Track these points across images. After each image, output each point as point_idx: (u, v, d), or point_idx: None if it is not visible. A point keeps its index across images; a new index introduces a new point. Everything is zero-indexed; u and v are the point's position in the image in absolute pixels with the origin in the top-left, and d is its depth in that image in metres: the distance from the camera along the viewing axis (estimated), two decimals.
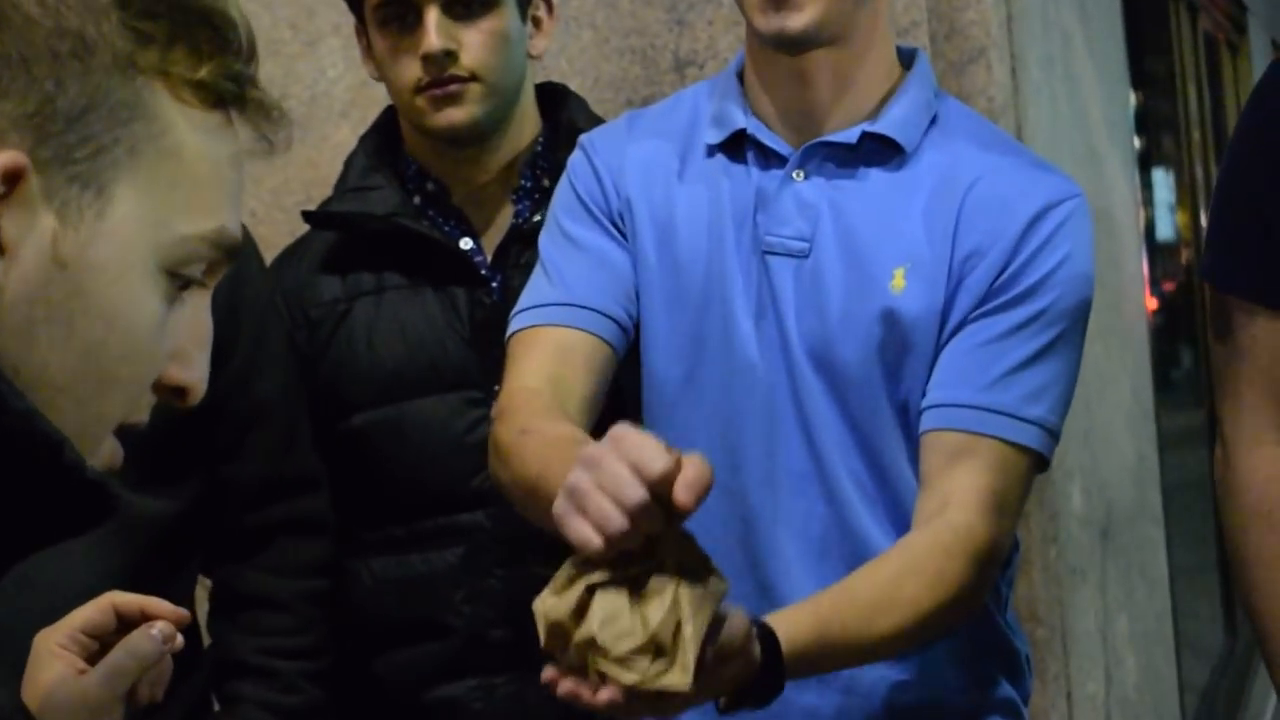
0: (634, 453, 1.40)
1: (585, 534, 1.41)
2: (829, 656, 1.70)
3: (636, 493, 1.39)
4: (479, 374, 2.11)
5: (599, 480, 1.41)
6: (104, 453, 1.09)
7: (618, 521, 1.39)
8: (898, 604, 1.74)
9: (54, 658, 1.39)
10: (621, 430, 1.43)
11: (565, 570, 1.45)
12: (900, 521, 1.88)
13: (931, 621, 1.77)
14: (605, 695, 1.43)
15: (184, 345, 1.10)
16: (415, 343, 2.23)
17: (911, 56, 2.02)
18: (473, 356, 2.15)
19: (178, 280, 1.07)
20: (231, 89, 1.08)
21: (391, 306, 2.25)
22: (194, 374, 1.11)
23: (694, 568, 1.45)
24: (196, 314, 1.10)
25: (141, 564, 2.02)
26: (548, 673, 1.47)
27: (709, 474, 1.40)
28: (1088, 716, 3.19)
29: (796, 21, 1.85)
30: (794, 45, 1.88)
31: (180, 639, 1.39)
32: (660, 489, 1.39)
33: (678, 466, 1.39)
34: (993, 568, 1.83)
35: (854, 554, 1.87)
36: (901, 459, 1.90)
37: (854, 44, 1.92)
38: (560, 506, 1.44)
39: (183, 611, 1.44)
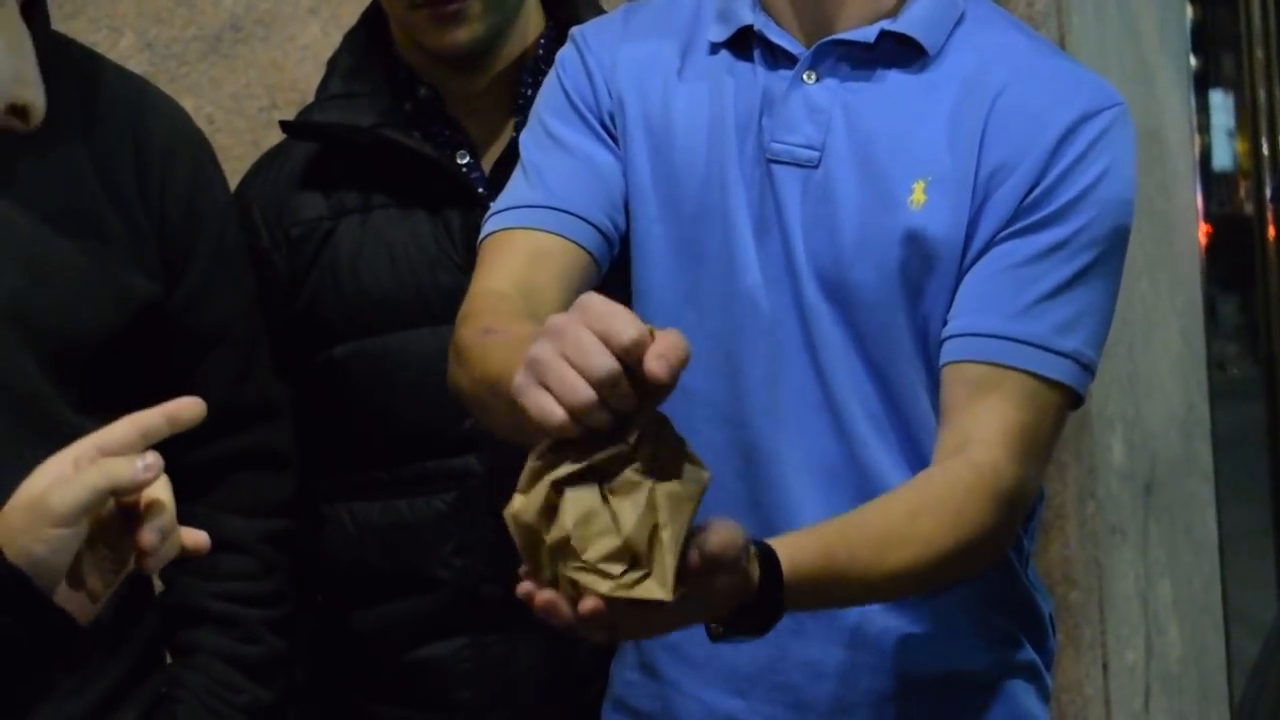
0: (603, 321, 1.38)
1: (546, 407, 1.38)
2: (834, 588, 1.69)
3: (605, 362, 1.36)
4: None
5: (563, 349, 1.39)
6: None
7: (582, 392, 1.37)
8: (912, 539, 1.74)
9: (54, 463, 1.39)
10: (589, 298, 1.41)
11: (530, 464, 1.42)
12: (916, 457, 1.91)
13: (947, 562, 1.77)
14: (587, 606, 1.40)
15: (17, 61, 1.13)
16: (404, 268, 2.25)
17: None
18: (466, 284, 2.14)
19: None
20: None
21: (378, 227, 2.26)
22: (33, 92, 1.14)
23: (671, 458, 1.43)
24: (13, 21, 1.13)
25: None
26: (522, 587, 1.44)
27: (685, 346, 1.37)
28: (1125, 689, 3.21)
29: None
30: None
31: (158, 467, 1.39)
32: (631, 360, 1.37)
33: (650, 336, 1.37)
34: (1018, 511, 1.85)
35: (865, 491, 1.88)
36: (919, 390, 1.92)
37: None
38: (520, 379, 1.41)
39: (192, 405, 1.45)
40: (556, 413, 1.38)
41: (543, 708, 2.24)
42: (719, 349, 1.93)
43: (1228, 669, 4.46)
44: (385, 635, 2.28)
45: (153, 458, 1.38)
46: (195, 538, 1.45)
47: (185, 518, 2.19)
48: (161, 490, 1.40)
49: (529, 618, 2.20)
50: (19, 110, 1.12)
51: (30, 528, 1.35)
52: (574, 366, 1.38)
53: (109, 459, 1.37)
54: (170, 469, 2.18)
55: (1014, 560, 1.99)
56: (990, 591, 1.98)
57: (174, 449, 2.16)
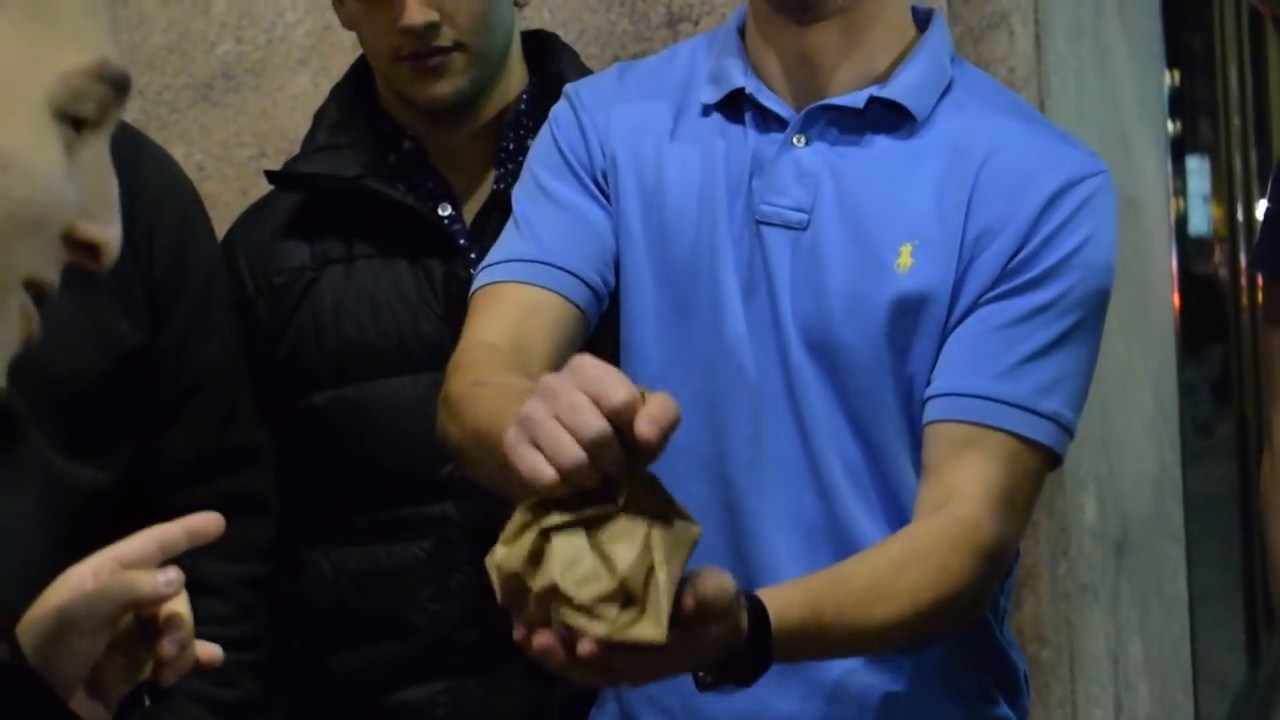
0: (594, 383, 1.39)
1: (536, 465, 1.39)
2: (820, 639, 1.71)
3: (595, 423, 1.37)
4: (451, 351, 2.09)
5: (555, 409, 1.40)
6: (16, 315, 1.09)
7: (573, 453, 1.38)
8: (896, 592, 1.75)
9: (74, 573, 1.40)
10: (582, 359, 1.42)
11: (517, 516, 1.42)
12: (895, 514, 1.91)
13: (930, 615, 1.78)
14: (584, 649, 1.41)
15: (90, 199, 1.10)
16: (386, 317, 2.25)
17: (927, 17, 2.02)
18: (446, 333, 2.15)
19: (70, 123, 1.08)
20: None
21: (361, 277, 2.27)
22: (106, 231, 1.11)
23: (661, 514, 1.44)
24: (98, 163, 1.11)
25: (74, 537, 2.02)
26: (517, 632, 1.45)
27: (675, 410, 1.39)
28: None
29: None
30: (804, 11, 1.90)
31: (179, 583, 1.39)
32: (622, 422, 1.38)
33: (641, 399, 1.38)
34: (999, 567, 1.86)
35: (843, 546, 1.88)
36: (900, 449, 1.92)
37: (866, 6, 1.94)
38: (512, 436, 1.43)
39: (211, 519, 1.47)
40: (547, 472, 1.39)
41: None
42: (704, 404, 1.93)
43: None
44: (362, 679, 2.28)
45: (175, 573, 1.39)
46: (208, 651, 1.45)
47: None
48: (181, 604, 1.40)
49: (505, 663, 2.22)
50: (87, 247, 1.13)
51: (53, 637, 1.36)
52: (565, 427, 1.39)
53: (133, 573, 1.38)
54: (155, 512, 2.19)
55: (990, 618, 1.99)
56: (967, 649, 1.98)
57: (156, 492, 2.17)
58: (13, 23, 1.05)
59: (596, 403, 1.38)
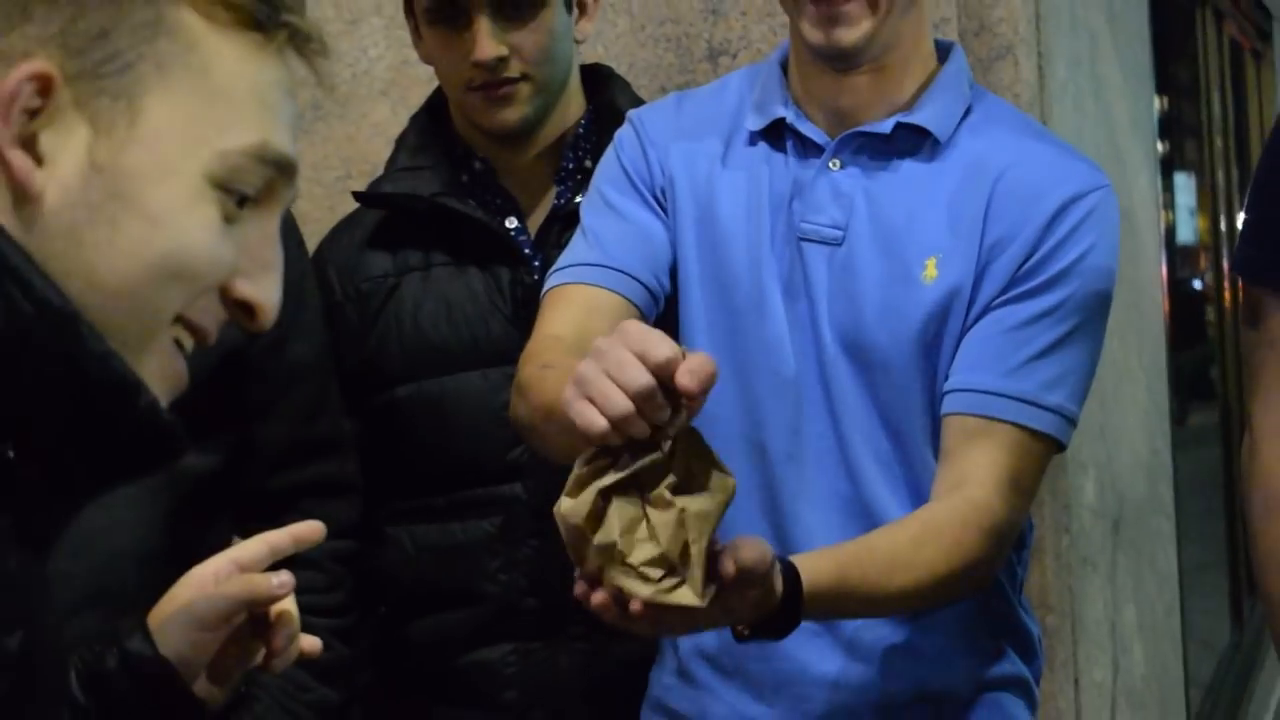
0: (639, 342, 1.41)
1: (590, 417, 1.41)
2: (845, 602, 1.73)
3: (641, 376, 1.39)
4: (519, 350, 2.08)
5: (605, 366, 1.42)
6: (165, 362, 1.11)
7: (622, 404, 1.40)
8: (915, 564, 1.77)
9: (196, 573, 1.42)
10: (628, 323, 1.44)
11: (577, 470, 1.44)
12: (915, 495, 1.91)
13: (943, 585, 1.80)
14: (635, 608, 1.44)
15: (250, 263, 1.12)
16: (459, 319, 2.25)
17: (948, 48, 2.02)
18: (514, 333, 2.16)
19: (232, 195, 1.09)
20: (262, 9, 1.10)
21: (438, 283, 2.27)
22: (263, 293, 1.13)
23: (701, 466, 1.45)
24: (263, 234, 1.13)
25: (179, 517, 2.04)
26: (578, 588, 1.47)
27: (713, 365, 1.40)
28: (1094, 703, 3.19)
29: (848, 37, 1.87)
30: (844, 60, 1.91)
31: (290, 586, 1.40)
32: (664, 376, 1.39)
33: (681, 355, 1.39)
34: (1005, 544, 1.86)
35: (869, 523, 1.90)
36: (924, 438, 1.93)
37: (897, 51, 1.94)
38: (567, 393, 1.45)
39: (314, 527, 1.47)
40: (599, 422, 1.41)
41: (580, 707, 2.23)
42: (749, 398, 1.94)
43: (1185, 687, 4.44)
44: (440, 642, 2.28)
45: (286, 576, 1.40)
46: (311, 642, 1.45)
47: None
48: (290, 603, 1.41)
49: (567, 627, 2.22)
50: (245, 306, 1.14)
51: (180, 631, 1.37)
52: (614, 381, 1.40)
53: (251, 576, 1.40)
54: (252, 494, 2.20)
55: (1006, 585, 2.00)
56: (986, 614, 1.98)
57: (256, 476, 2.18)
58: (182, 100, 1.07)
59: (642, 359, 1.39)
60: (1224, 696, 5.60)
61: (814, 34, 1.87)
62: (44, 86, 1.03)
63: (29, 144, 1.04)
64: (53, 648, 1.03)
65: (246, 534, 2.20)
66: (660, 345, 1.40)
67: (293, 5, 1.12)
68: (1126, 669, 3.54)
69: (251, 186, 1.10)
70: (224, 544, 2.17)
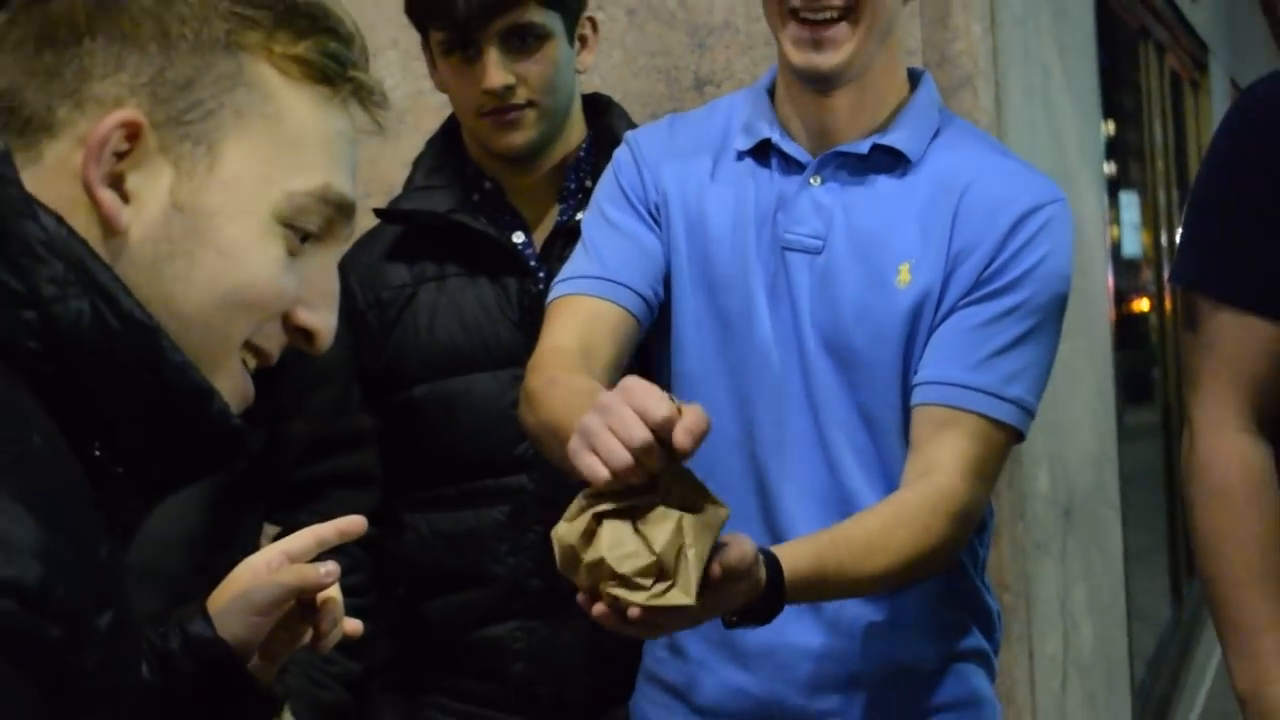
0: (640, 400, 1.43)
1: (594, 467, 1.44)
2: (823, 587, 1.73)
3: (640, 433, 1.41)
4: (525, 354, 2.07)
5: (608, 421, 1.44)
6: (235, 382, 1.12)
7: (622, 457, 1.42)
8: (887, 549, 1.77)
9: (251, 563, 1.43)
10: (631, 380, 1.46)
11: (577, 502, 1.47)
12: (887, 482, 1.91)
13: (914, 567, 1.80)
14: (633, 614, 1.45)
15: (310, 293, 1.13)
16: (471, 325, 2.25)
17: (919, 76, 2.03)
18: (520, 338, 2.16)
19: (297, 232, 1.10)
20: (332, 66, 1.12)
21: (451, 292, 2.27)
22: (320, 320, 1.14)
23: (695, 501, 1.47)
24: (323, 267, 1.14)
25: (218, 505, 2.05)
26: (580, 598, 1.49)
27: (706, 421, 1.42)
28: (1047, 674, 3.20)
29: (828, 61, 1.87)
30: (824, 82, 1.91)
31: (336, 575, 1.41)
32: (662, 432, 1.41)
33: (678, 413, 1.41)
34: (969, 526, 1.86)
35: (846, 509, 1.90)
36: (898, 432, 1.93)
37: (873, 75, 1.94)
38: (574, 444, 1.47)
39: (357, 521, 1.48)
40: (602, 472, 1.43)
41: (581, 678, 2.23)
42: (737, 396, 1.94)
43: (1129, 659, 4.45)
44: (453, 620, 2.28)
45: (332, 566, 1.41)
46: (353, 625, 1.46)
47: (292, 524, 2.21)
48: (334, 590, 1.42)
49: (568, 607, 2.21)
50: (303, 332, 1.14)
51: (237, 615, 1.38)
52: (617, 436, 1.42)
53: (300, 566, 1.41)
54: (282, 485, 2.20)
55: (969, 566, 2.00)
56: (950, 592, 1.99)
57: (285, 469, 2.18)
58: (256, 146, 1.08)
59: (642, 417, 1.42)
60: (1164, 668, 5.62)
61: (797, 56, 1.88)
62: (132, 132, 1.05)
63: (117, 183, 1.05)
64: (132, 628, 1.03)
65: (276, 521, 2.22)
66: (659, 404, 1.42)
67: (358, 61, 1.14)
68: (1076, 643, 3.55)
69: (314, 224, 1.11)
70: (256, 530, 2.18)
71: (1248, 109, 2.00)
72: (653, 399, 1.42)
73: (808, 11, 1.86)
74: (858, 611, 1.94)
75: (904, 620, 1.95)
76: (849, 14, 1.86)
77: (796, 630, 1.92)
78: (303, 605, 1.42)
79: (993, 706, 2.03)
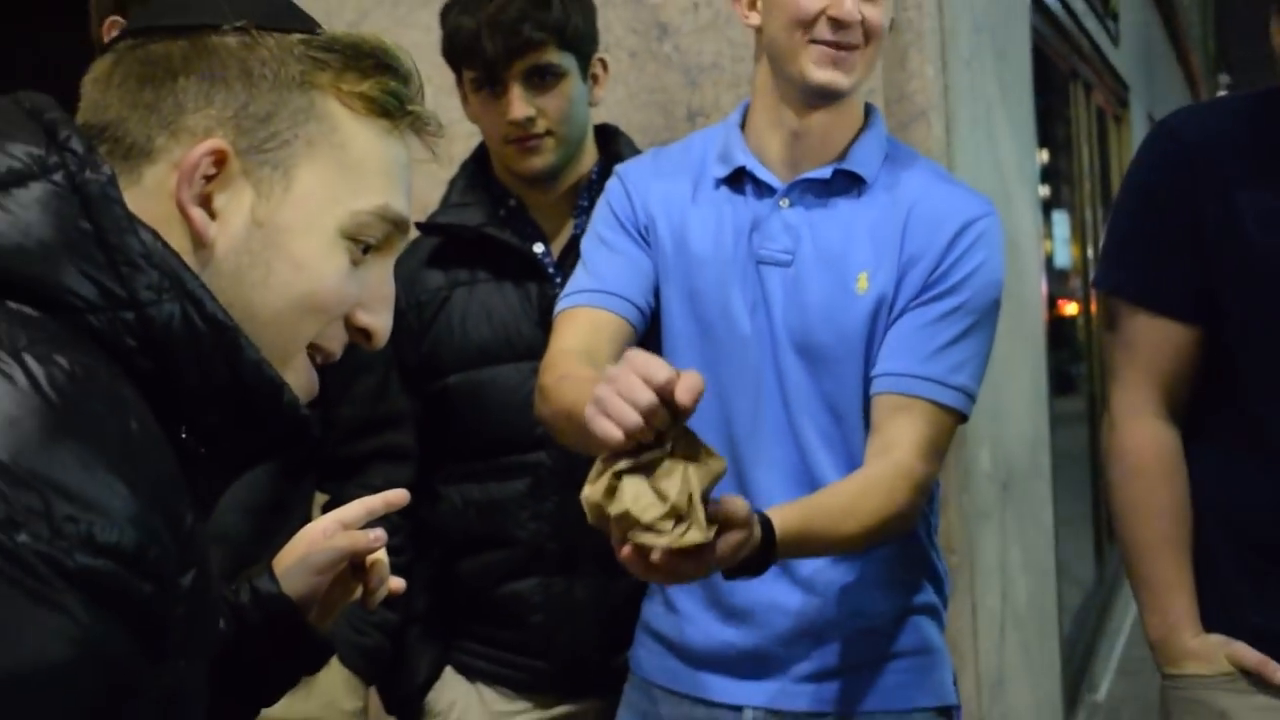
0: (643, 367, 1.42)
1: (608, 429, 1.42)
2: (806, 545, 1.73)
3: (646, 395, 1.40)
4: (544, 349, 2.10)
5: (617, 389, 1.43)
6: (303, 376, 1.13)
7: (633, 418, 1.41)
8: (858, 515, 1.78)
9: (310, 530, 1.43)
10: (633, 352, 1.45)
11: (596, 466, 1.46)
12: (850, 464, 1.91)
13: (879, 530, 1.80)
14: (656, 557, 1.45)
15: (369, 298, 1.13)
16: (497, 323, 2.24)
17: (870, 110, 2.03)
18: (540, 335, 2.15)
19: (359, 245, 1.11)
20: (391, 102, 1.12)
21: (481, 295, 2.26)
22: (378, 321, 1.15)
23: (695, 454, 1.46)
24: (380, 275, 1.14)
25: (276, 478, 2.05)
26: (616, 549, 1.48)
27: (702, 382, 1.41)
28: (987, 625, 3.21)
29: (845, 80, 1.88)
30: (835, 97, 1.91)
31: (383, 540, 1.41)
32: (664, 393, 1.40)
33: (677, 376, 1.41)
34: (924, 496, 1.87)
35: (813, 486, 1.90)
36: (859, 418, 1.92)
37: (849, 100, 1.95)
38: (589, 411, 1.45)
39: (401, 493, 1.47)
40: (616, 434, 1.42)
41: (591, 628, 2.24)
42: (718, 389, 1.93)
43: (1058, 612, 4.45)
44: (481, 577, 2.28)
45: (380, 532, 1.41)
46: (397, 583, 1.46)
47: (340, 493, 2.21)
48: (382, 553, 1.42)
49: (581, 566, 2.22)
50: (363, 331, 1.15)
51: (299, 575, 1.38)
52: (626, 400, 1.41)
53: (353, 533, 1.40)
54: (330, 460, 2.20)
55: (922, 533, 2.00)
56: (906, 553, 1.99)
57: (333, 447, 2.18)
58: (325, 170, 1.09)
59: (646, 381, 1.41)
60: (1088, 620, 5.62)
61: (819, 73, 1.87)
62: (219, 158, 1.05)
63: (206, 202, 1.06)
64: (212, 585, 1.04)
65: (326, 491, 2.22)
66: (660, 370, 1.41)
67: (415, 97, 1.13)
68: (1013, 598, 3.56)
69: (374, 238, 1.11)
70: (309, 499, 2.19)
71: (1159, 139, 2.00)
72: (654, 366, 1.42)
73: (841, 36, 1.86)
74: (828, 574, 1.94)
75: (867, 580, 1.95)
76: (860, 48, 1.88)
77: (774, 590, 1.93)
78: (354, 566, 1.42)
79: (942, 653, 2.04)
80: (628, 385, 1.42)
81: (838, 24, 1.85)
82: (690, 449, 1.46)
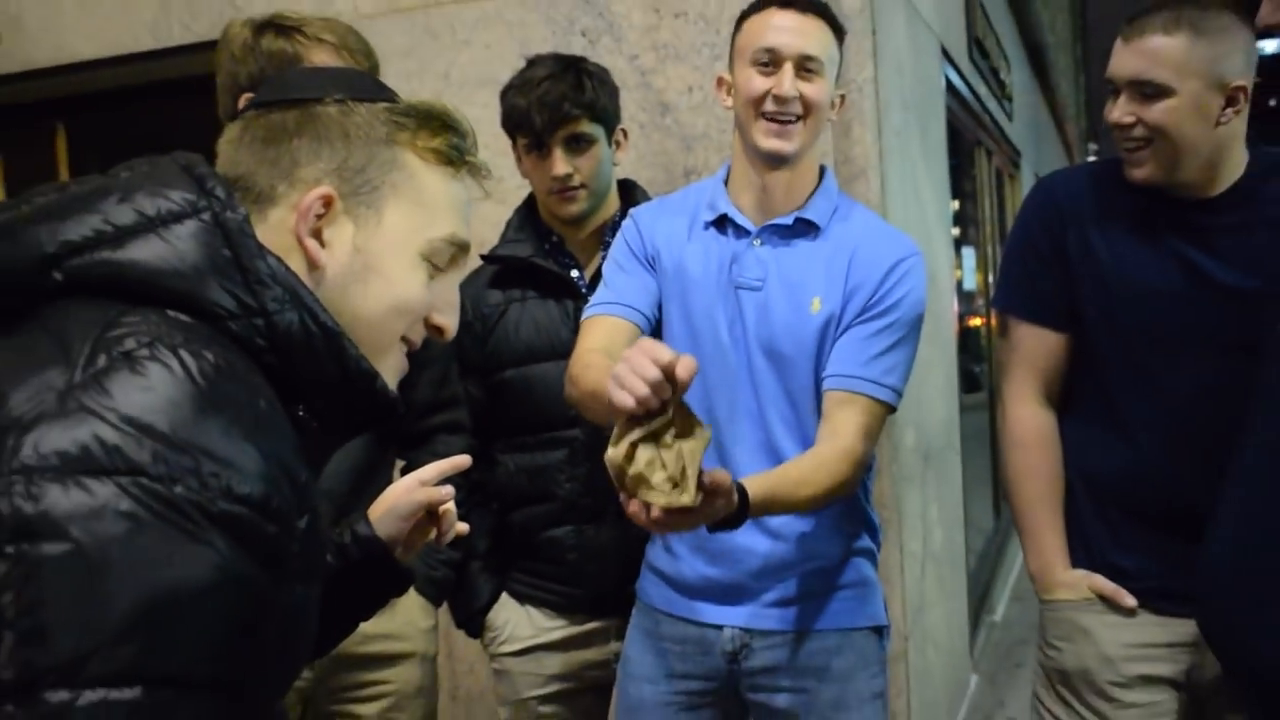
0: (651, 351, 1.40)
1: (624, 398, 1.40)
2: (771, 506, 1.72)
3: (653, 371, 1.39)
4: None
5: (631, 366, 1.41)
6: (396, 364, 1.12)
7: (642, 389, 1.39)
8: (812, 484, 1.76)
9: (395, 486, 1.43)
10: (643, 339, 1.44)
11: (616, 429, 1.44)
12: (805, 442, 1.90)
13: (827, 496, 1.79)
14: (655, 513, 1.43)
15: (441, 303, 1.14)
16: (543, 331, 2.23)
17: (824, 170, 2.02)
18: (575, 340, 2.15)
19: (433, 264, 1.11)
20: (455, 154, 1.12)
21: (530, 309, 2.25)
22: (448, 320, 1.15)
23: (691, 427, 1.44)
24: (449, 286, 1.15)
25: (370, 446, 2.05)
26: (624, 501, 1.46)
27: (696, 364, 1.40)
28: (912, 565, 3.21)
29: (788, 147, 1.87)
30: (781, 161, 1.89)
31: (452, 495, 1.41)
32: (668, 370, 1.39)
33: (677, 358, 1.40)
34: (862, 469, 1.86)
35: (776, 460, 1.89)
36: (812, 409, 1.91)
37: (802, 165, 1.94)
38: (609, 385, 1.43)
39: (464, 459, 1.46)
40: (629, 401, 1.40)
41: (612, 565, 2.22)
42: (705, 385, 1.93)
43: (966, 554, 4.46)
44: (528, 525, 2.27)
45: (450, 489, 1.40)
46: (462, 527, 1.46)
47: (413, 458, 2.19)
48: (450, 504, 1.42)
49: (604, 517, 2.21)
50: (436, 328, 1.15)
51: (388, 522, 1.39)
52: (638, 375, 1.40)
53: (429, 489, 1.40)
54: (406, 433, 2.19)
55: (861, 495, 1.99)
56: (850, 510, 1.98)
57: (408, 422, 2.17)
58: (406, 208, 1.09)
59: (654, 361, 1.39)
60: (988, 559, 5.62)
61: (767, 142, 1.87)
62: (327, 201, 1.06)
63: (317, 235, 1.06)
64: (321, 528, 1.04)
65: (403, 457, 2.22)
66: (664, 352, 1.40)
67: (471, 149, 1.14)
68: (931, 543, 3.56)
69: (445, 259, 1.12)
70: (390, 464, 2.19)
71: (1036, 194, 2.02)
72: (659, 349, 1.40)
73: (779, 115, 1.86)
74: (790, 525, 1.94)
75: (819, 530, 1.95)
76: (801, 119, 1.87)
77: (749, 538, 1.92)
78: (429, 514, 1.42)
79: (876, 585, 2.03)
80: (639, 364, 1.41)
81: (779, 100, 1.86)
82: (685, 421, 1.45)
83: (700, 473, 1.46)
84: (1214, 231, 1.83)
